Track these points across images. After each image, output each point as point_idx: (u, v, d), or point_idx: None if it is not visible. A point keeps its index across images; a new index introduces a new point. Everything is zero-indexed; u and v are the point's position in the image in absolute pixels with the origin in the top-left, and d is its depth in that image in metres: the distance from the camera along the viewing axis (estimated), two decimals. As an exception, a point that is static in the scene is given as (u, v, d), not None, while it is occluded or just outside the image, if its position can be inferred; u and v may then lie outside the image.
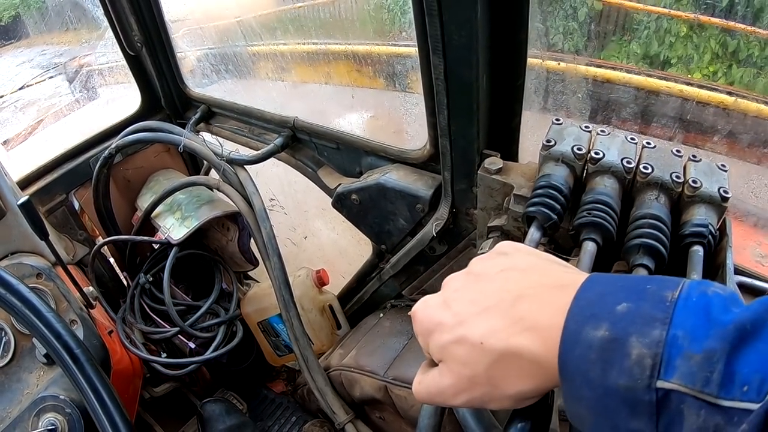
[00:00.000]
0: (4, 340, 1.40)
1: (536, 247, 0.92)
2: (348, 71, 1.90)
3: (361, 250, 1.68)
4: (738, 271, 1.02)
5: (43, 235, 1.45)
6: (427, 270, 1.59)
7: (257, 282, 2.21)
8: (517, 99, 1.20)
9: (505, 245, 0.62)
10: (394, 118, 1.84)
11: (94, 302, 1.58)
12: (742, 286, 1.00)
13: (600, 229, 0.87)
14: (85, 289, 1.55)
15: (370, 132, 1.77)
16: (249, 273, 2.19)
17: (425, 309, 0.59)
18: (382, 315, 1.72)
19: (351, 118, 1.85)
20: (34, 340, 1.36)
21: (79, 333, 1.44)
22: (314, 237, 2.08)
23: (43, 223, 1.42)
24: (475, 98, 1.12)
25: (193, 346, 1.84)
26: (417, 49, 1.16)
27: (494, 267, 0.58)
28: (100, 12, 1.80)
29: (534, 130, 1.31)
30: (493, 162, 1.14)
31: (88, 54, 3.77)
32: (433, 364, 0.58)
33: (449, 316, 0.55)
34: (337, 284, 1.89)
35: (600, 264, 0.87)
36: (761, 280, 1.01)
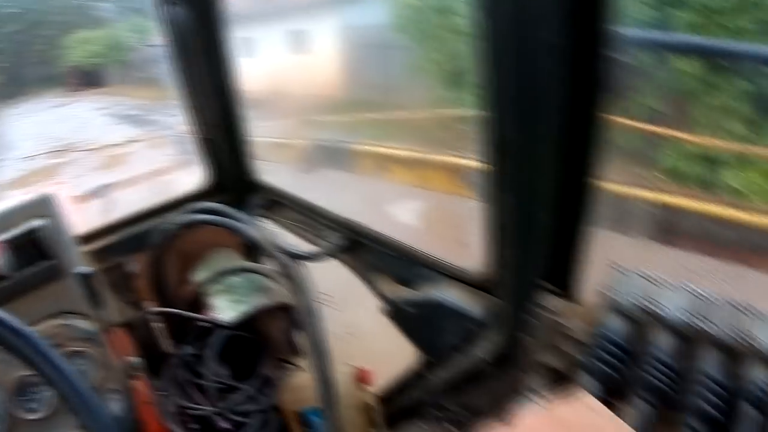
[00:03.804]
0: (45, 392, 1.40)
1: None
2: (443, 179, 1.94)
3: (406, 355, 1.67)
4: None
5: (99, 306, 1.50)
6: (471, 387, 1.56)
7: (297, 369, 2.20)
8: (583, 232, 1.19)
9: (592, 401, 0.63)
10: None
11: (137, 373, 1.60)
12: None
13: (655, 390, 0.89)
14: (131, 359, 1.58)
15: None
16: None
17: None
18: (423, 425, 1.69)
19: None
20: None
21: (118, 405, 1.45)
22: (361, 336, 2.08)
23: (101, 295, 1.46)
24: (543, 235, 1.13)
25: (226, 426, 1.83)
26: (486, 181, 1.18)
27: (582, 421, 0.59)
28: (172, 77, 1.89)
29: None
30: (553, 301, 1.16)
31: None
32: None
33: None
34: (377, 385, 1.86)
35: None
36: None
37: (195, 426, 1.88)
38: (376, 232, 1.58)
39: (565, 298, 1.17)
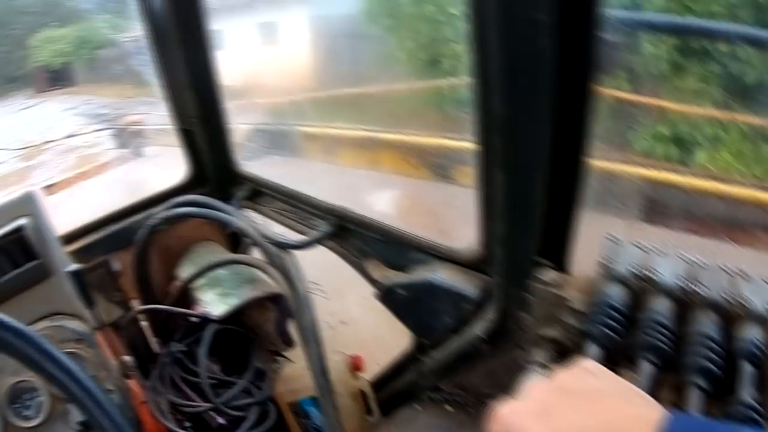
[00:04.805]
0: (38, 399, 1.38)
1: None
2: (395, 160, 1.95)
3: (398, 340, 1.68)
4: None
5: (90, 305, 1.47)
6: (467, 367, 1.58)
7: (289, 360, 2.20)
8: (576, 208, 1.21)
9: (592, 365, 0.64)
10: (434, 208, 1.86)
11: (130, 372, 1.58)
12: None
13: (657, 351, 0.93)
14: (123, 359, 1.56)
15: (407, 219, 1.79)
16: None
17: (515, 415, 0.59)
18: (419, 408, 1.70)
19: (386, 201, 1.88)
20: (70, 405, 1.34)
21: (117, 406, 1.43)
22: (352, 323, 2.09)
23: (91, 292, 1.43)
24: (535, 211, 1.14)
25: (222, 422, 1.82)
26: (477, 160, 1.19)
27: (584, 386, 0.59)
28: (148, 71, 1.87)
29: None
30: (549, 274, 1.17)
31: (140, 113, 3.92)
32: None
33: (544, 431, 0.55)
34: (370, 371, 1.88)
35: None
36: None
37: (189, 424, 1.86)
38: (363, 216, 1.57)
39: (559, 271, 1.18)
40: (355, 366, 1.82)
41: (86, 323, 1.51)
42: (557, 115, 1.03)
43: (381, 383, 1.89)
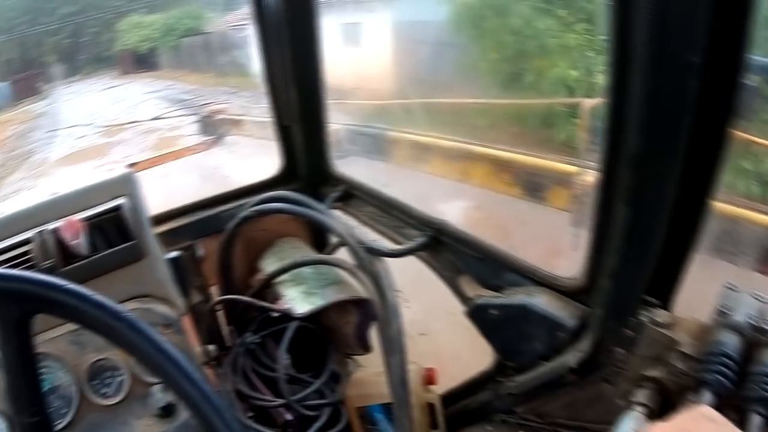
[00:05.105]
0: (118, 379, 1.38)
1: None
2: (486, 174, 1.91)
3: (477, 358, 1.65)
4: None
5: (186, 293, 1.48)
6: (549, 395, 1.53)
7: (358, 364, 2.20)
8: (691, 249, 1.17)
9: (710, 412, 0.63)
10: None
11: (212, 361, 1.60)
12: None
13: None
14: (207, 347, 1.57)
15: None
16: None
17: None
18: (489, 429, 1.66)
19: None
20: (154, 389, 1.34)
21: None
22: (432, 336, 2.06)
23: (187, 280, 1.45)
24: (654, 248, 1.10)
25: (290, 418, 1.82)
26: (598, 190, 1.16)
27: None
28: (227, 60, 1.89)
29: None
30: (661, 315, 1.13)
31: (223, 103, 4.02)
32: None
33: None
34: (442, 386, 1.84)
35: None
36: None
37: (252, 414, 1.88)
38: (461, 232, 1.55)
39: (664, 304, 1.16)
40: (428, 379, 1.79)
41: (175, 309, 1.50)
42: (690, 154, 0.99)
43: (452, 399, 1.86)
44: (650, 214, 1.06)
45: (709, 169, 1.03)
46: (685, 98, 0.93)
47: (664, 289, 1.20)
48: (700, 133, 0.97)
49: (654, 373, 1.13)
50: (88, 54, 5.17)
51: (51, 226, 1.41)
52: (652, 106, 0.97)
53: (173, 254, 1.38)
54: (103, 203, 1.48)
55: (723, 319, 1.03)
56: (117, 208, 1.46)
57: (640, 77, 0.95)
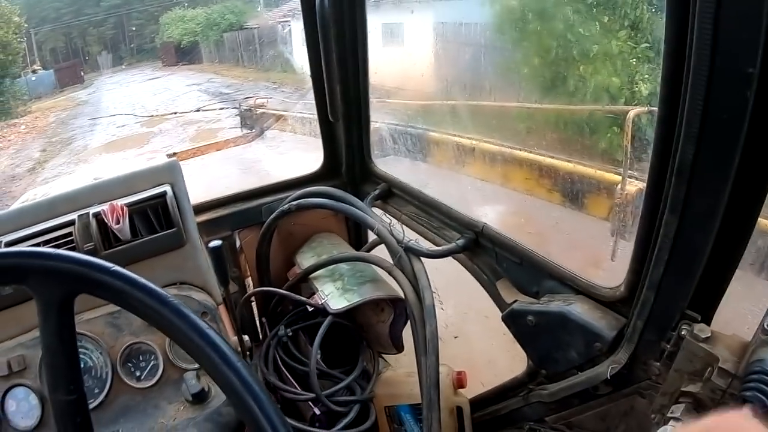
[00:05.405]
0: (152, 363, 1.41)
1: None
2: (526, 179, 1.90)
3: (510, 365, 1.63)
4: None
5: (225, 282, 1.50)
6: (582, 405, 1.51)
7: (387, 363, 2.20)
8: (735, 264, 1.14)
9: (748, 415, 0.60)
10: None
11: (246, 352, 1.61)
12: None
13: None
14: (243, 337, 1.58)
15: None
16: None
17: None
18: (518, 437, 1.65)
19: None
20: (187, 375, 1.35)
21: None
22: (465, 339, 2.05)
23: (227, 270, 1.47)
24: (702, 262, 1.08)
25: (318, 412, 1.83)
26: (644, 201, 1.14)
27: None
28: (269, 56, 1.91)
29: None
30: (702, 329, 1.10)
31: (265, 97, 4.07)
32: None
33: None
34: (472, 390, 1.84)
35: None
36: None
37: (279, 406, 1.89)
38: (501, 235, 1.54)
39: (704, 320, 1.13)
40: (459, 382, 1.79)
41: (212, 297, 1.53)
42: (742, 169, 0.97)
43: (481, 404, 1.85)
44: (698, 227, 1.04)
45: (759, 183, 1.00)
46: (741, 111, 0.90)
47: (705, 304, 1.18)
48: (753, 147, 0.94)
49: (692, 388, 1.10)
50: (131, 45, 5.27)
51: (93, 210, 1.44)
52: (706, 117, 0.95)
53: (214, 243, 1.39)
54: (146, 190, 1.51)
55: (766, 337, 0.99)
56: (160, 195, 1.49)
57: (695, 87, 0.93)
